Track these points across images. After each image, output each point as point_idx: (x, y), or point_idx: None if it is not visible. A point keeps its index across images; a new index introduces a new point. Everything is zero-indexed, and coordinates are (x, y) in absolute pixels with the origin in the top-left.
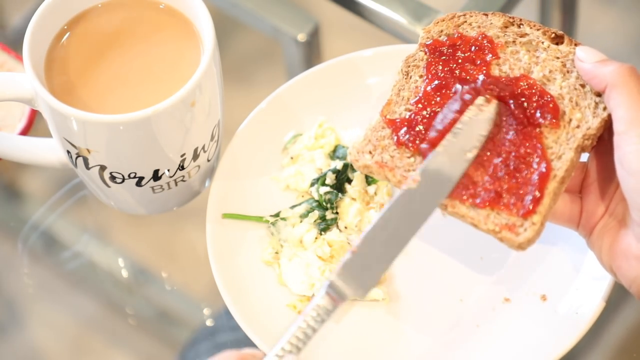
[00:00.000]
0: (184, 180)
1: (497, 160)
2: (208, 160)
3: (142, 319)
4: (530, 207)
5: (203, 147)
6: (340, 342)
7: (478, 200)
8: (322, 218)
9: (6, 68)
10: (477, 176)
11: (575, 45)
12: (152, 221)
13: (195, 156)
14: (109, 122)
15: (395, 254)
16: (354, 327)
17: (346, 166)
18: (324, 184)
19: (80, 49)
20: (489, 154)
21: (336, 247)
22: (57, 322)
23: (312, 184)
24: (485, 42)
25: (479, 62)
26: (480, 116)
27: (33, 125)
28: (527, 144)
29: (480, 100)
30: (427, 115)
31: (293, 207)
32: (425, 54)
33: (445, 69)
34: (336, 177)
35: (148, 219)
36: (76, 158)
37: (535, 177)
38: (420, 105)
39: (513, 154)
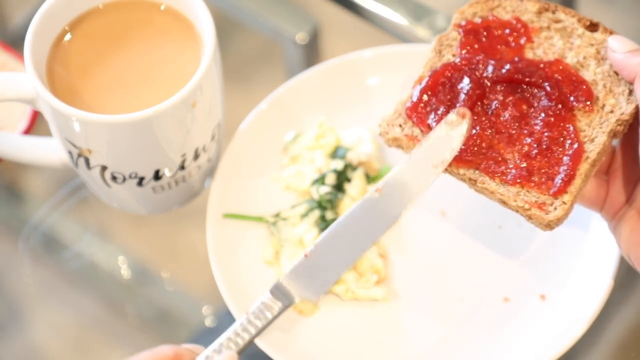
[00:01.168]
0: (184, 180)
1: (529, 140)
2: (208, 161)
3: (142, 319)
4: (562, 187)
5: (203, 147)
6: (340, 341)
7: (509, 177)
8: (322, 218)
9: (7, 68)
10: (508, 153)
11: (610, 33)
12: (152, 221)
13: (196, 156)
14: (110, 122)
15: (349, 262)
16: (354, 327)
17: (346, 166)
18: (324, 184)
19: (81, 50)
20: (522, 131)
21: None
22: (57, 321)
23: (312, 184)
24: (519, 25)
25: (513, 44)
26: (452, 132)
27: (34, 125)
28: (561, 125)
29: (451, 116)
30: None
31: (293, 207)
32: (459, 34)
33: (479, 48)
34: (336, 177)
35: (148, 219)
36: (77, 158)
37: (567, 157)
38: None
39: (546, 134)
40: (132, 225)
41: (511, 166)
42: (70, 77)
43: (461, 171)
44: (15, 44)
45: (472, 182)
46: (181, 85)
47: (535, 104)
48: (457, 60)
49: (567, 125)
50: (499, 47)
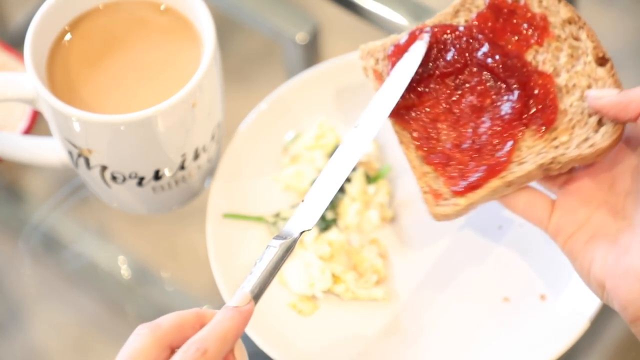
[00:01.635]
0: (184, 180)
1: (469, 132)
2: (208, 161)
3: (142, 319)
4: (463, 190)
5: (203, 147)
6: (340, 341)
7: (431, 157)
8: (322, 218)
9: (7, 68)
10: (444, 134)
11: (613, 76)
12: (152, 221)
13: (196, 156)
14: (110, 122)
15: (333, 191)
16: (353, 327)
17: None
18: None
19: (81, 50)
20: (469, 122)
21: (336, 247)
22: (57, 321)
23: (312, 184)
24: (540, 24)
25: (521, 39)
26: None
27: (34, 125)
28: (504, 135)
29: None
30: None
31: (293, 207)
32: (484, 4)
33: (490, 26)
34: None
35: (148, 219)
36: (77, 158)
37: (485, 167)
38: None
39: (486, 135)
40: (132, 225)
41: (439, 148)
42: (70, 77)
43: (396, 127)
44: (15, 44)
45: (400, 142)
46: (181, 85)
47: (497, 104)
48: (462, 28)
49: (509, 139)
50: (508, 34)
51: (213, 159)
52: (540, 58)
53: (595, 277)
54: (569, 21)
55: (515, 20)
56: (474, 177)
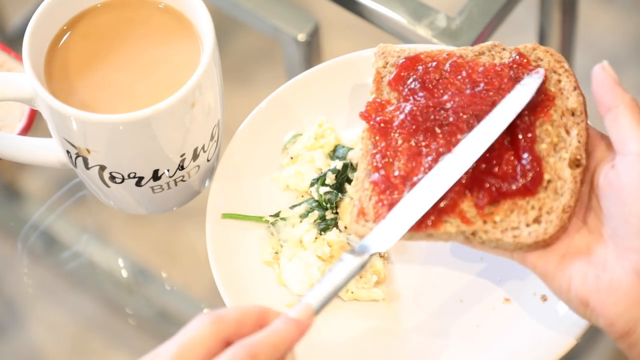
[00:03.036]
0: (183, 180)
1: (420, 174)
2: (208, 160)
3: (142, 319)
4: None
5: (203, 147)
6: (340, 342)
7: (376, 177)
8: (322, 218)
9: (6, 68)
10: (399, 163)
11: (575, 183)
12: (152, 221)
13: (195, 156)
14: (108, 122)
15: (415, 217)
16: (353, 327)
17: (346, 166)
18: (323, 184)
19: (79, 49)
20: (427, 165)
21: (336, 247)
22: (57, 322)
23: (312, 184)
24: (546, 103)
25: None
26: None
27: (33, 125)
28: (449, 195)
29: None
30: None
31: (293, 207)
32: (510, 57)
33: (499, 83)
34: (336, 177)
35: (148, 219)
36: (76, 158)
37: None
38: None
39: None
40: (131, 225)
41: (389, 172)
42: (69, 76)
43: (364, 133)
44: (13, 43)
45: (361, 148)
46: (180, 85)
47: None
48: (481, 68)
49: (452, 204)
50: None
51: (212, 159)
52: (526, 133)
53: (577, 296)
54: (572, 112)
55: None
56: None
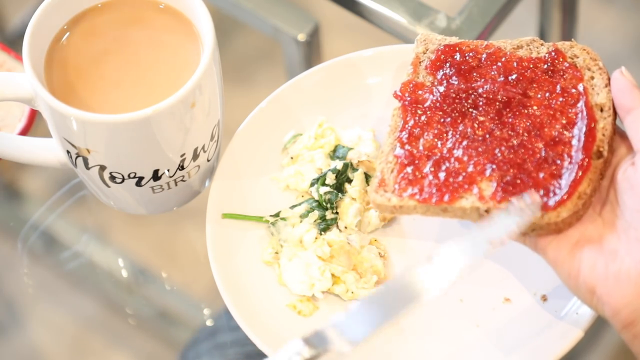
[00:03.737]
0: (183, 180)
1: (445, 152)
2: (208, 160)
3: (142, 319)
4: (399, 191)
5: (203, 147)
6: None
7: (401, 152)
8: (322, 218)
9: (6, 68)
10: (427, 143)
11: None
12: (152, 221)
13: (195, 156)
14: (108, 122)
15: (388, 318)
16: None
17: (346, 166)
18: (324, 184)
19: (80, 49)
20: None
21: (336, 247)
22: (57, 322)
23: (312, 184)
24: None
25: (549, 106)
26: (518, 215)
27: (33, 125)
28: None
29: (525, 199)
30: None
31: (293, 207)
32: (547, 51)
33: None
34: (336, 177)
35: (148, 219)
36: (76, 158)
37: (433, 190)
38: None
39: (457, 163)
40: (131, 225)
41: (413, 149)
42: (69, 76)
43: (396, 111)
44: (13, 43)
45: (390, 124)
46: (180, 85)
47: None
48: (515, 64)
49: (473, 184)
50: (544, 91)
51: (212, 159)
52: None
53: (584, 284)
54: (601, 108)
55: (559, 83)
56: (416, 190)
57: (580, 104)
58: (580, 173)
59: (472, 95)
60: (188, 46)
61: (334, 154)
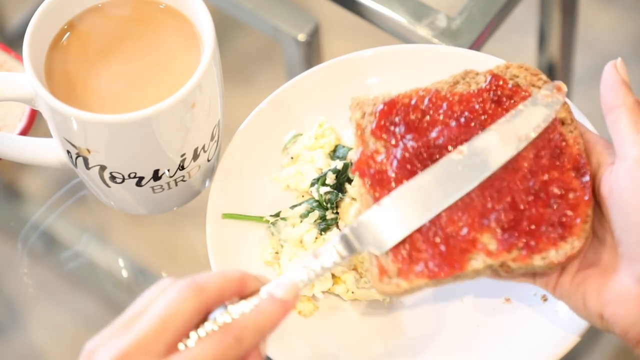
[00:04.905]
0: (184, 180)
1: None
2: (208, 160)
3: None
4: (406, 272)
5: (203, 147)
6: (341, 342)
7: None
8: (322, 218)
9: (6, 68)
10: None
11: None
12: (152, 221)
13: (196, 156)
14: (109, 122)
15: (421, 220)
16: (354, 327)
17: (346, 166)
18: (324, 184)
19: (80, 49)
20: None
21: None
22: (57, 322)
23: (312, 184)
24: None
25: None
26: (545, 103)
27: (33, 125)
28: (471, 234)
29: (544, 90)
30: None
31: (293, 207)
32: (485, 80)
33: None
34: (336, 177)
35: (148, 219)
36: (76, 158)
37: (438, 261)
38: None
39: (451, 226)
40: (131, 225)
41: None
42: (69, 76)
43: (362, 189)
44: (13, 43)
45: (360, 203)
46: (180, 85)
47: (473, 198)
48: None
49: (476, 243)
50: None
51: (213, 159)
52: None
53: (592, 310)
54: (562, 122)
55: (512, 109)
56: (421, 268)
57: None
58: (571, 195)
59: (433, 149)
60: (188, 46)
61: (334, 154)
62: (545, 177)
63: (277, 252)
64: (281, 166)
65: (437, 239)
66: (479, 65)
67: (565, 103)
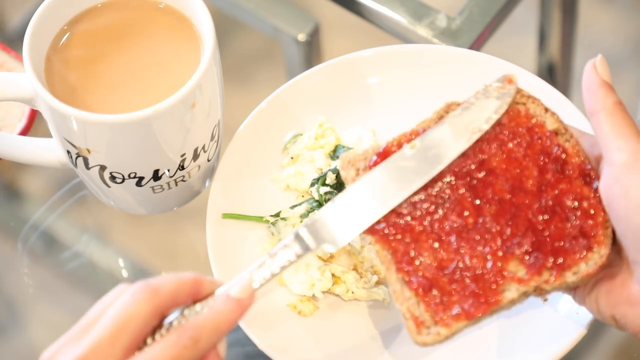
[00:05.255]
0: (184, 180)
1: (457, 256)
2: (208, 160)
3: None
4: (447, 320)
5: (203, 147)
6: (341, 342)
7: (412, 278)
8: None
9: (6, 68)
10: (425, 253)
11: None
12: (152, 221)
13: (196, 156)
14: (109, 122)
15: (374, 217)
16: (354, 327)
17: None
18: (324, 184)
19: (80, 49)
20: (460, 242)
21: None
22: (57, 322)
23: (313, 184)
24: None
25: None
26: (494, 99)
27: (33, 125)
28: (499, 265)
29: (495, 82)
30: None
31: (293, 207)
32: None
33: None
34: (336, 176)
35: (148, 219)
36: (76, 158)
37: (472, 300)
38: None
39: (479, 264)
40: (131, 225)
41: (421, 271)
42: (69, 76)
43: (376, 246)
44: (13, 43)
45: (381, 262)
46: (180, 85)
47: (491, 229)
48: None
49: (504, 272)
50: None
51: (213, 159)
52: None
53: (605, 313)
54: (556, 132)
55: (503, 131)
56: (461, 309)
57: (538, 138)
58: (585, 204)
59: (436, 188)
60: (188, 46)
61: (334, 154)
62: (555, 192)
63: None
64: (281, 166)
65: (466, 280)
66: (479, 65)
67: (554, 113)
